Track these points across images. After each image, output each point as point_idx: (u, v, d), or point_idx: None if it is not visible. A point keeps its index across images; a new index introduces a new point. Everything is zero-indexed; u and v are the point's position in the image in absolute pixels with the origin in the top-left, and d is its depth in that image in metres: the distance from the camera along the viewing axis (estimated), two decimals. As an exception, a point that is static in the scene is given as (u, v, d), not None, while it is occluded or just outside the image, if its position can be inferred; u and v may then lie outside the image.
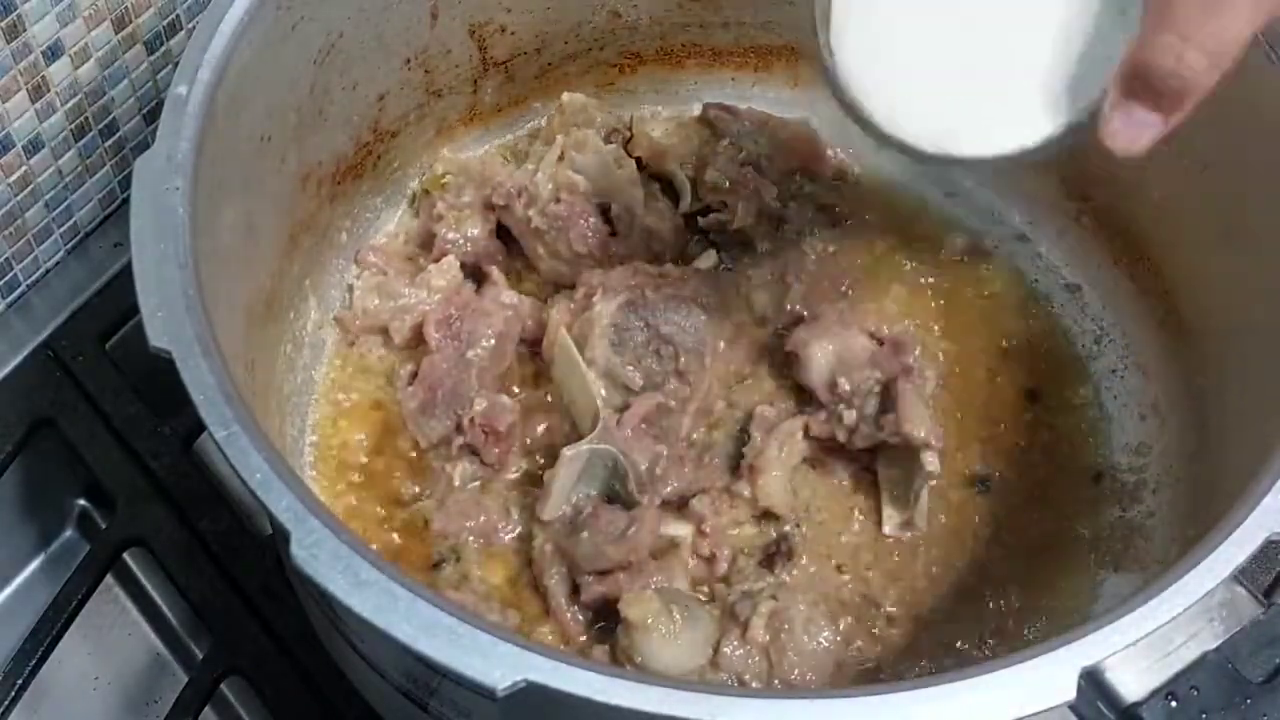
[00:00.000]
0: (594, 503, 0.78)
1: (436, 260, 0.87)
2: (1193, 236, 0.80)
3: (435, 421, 0.82)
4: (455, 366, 0.83)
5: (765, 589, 0.76)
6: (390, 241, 0.91)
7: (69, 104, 0.83)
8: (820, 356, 0.82)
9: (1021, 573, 0.80)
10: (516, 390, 0.85)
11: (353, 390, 0.85)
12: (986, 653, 0.76)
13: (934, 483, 0.80)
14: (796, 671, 0.73)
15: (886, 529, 0.81)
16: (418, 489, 0.81)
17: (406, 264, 0.89)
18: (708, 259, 0.90)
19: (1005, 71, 0.60)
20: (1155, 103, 0.56)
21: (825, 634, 0.74)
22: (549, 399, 0.85)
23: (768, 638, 0.73)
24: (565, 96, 0.92)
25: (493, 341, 0.84)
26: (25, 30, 0.76)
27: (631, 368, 0.82)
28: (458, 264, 0.87)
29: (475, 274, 0.89)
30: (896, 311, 0.89)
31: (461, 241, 0.88)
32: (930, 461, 0.78)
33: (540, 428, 0.84)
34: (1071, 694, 0.52)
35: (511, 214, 0.88)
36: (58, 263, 0.90)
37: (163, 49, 0.86)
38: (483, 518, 0.80)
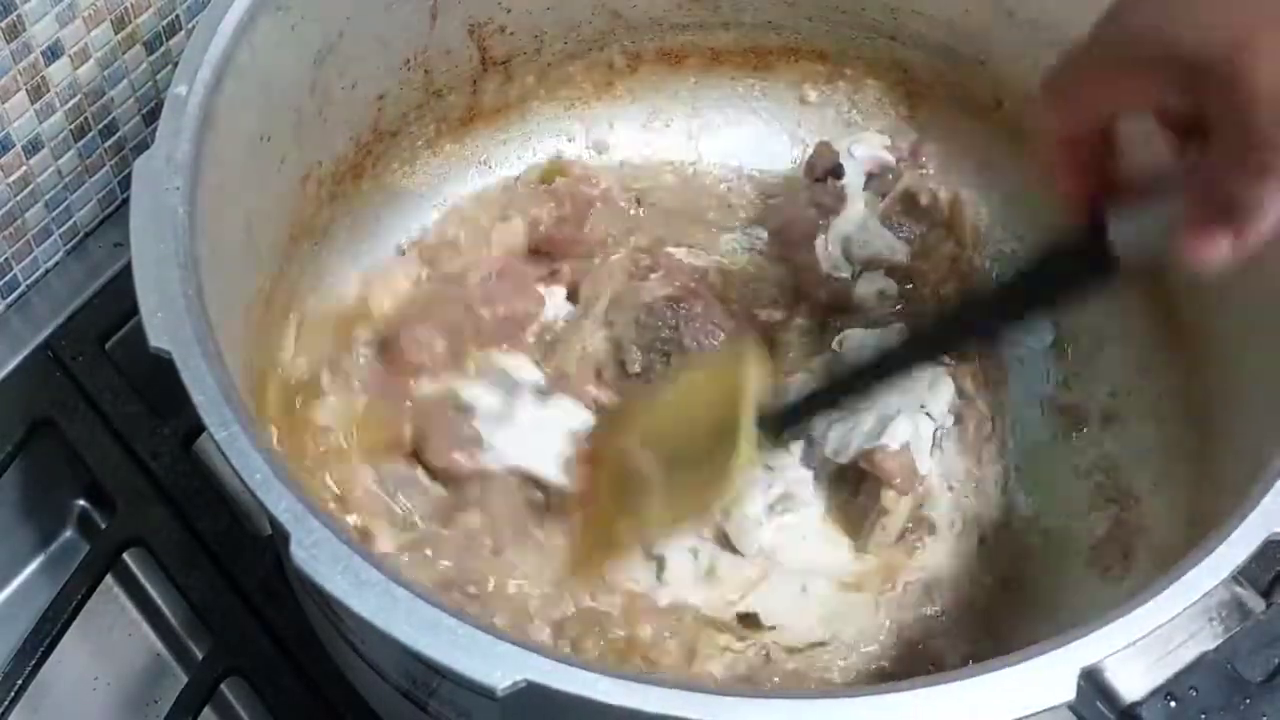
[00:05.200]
0: None
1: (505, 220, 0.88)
2: (1193, 236, 0.80)
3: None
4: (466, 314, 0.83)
5: None
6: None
7: (69, 104, 0.83)
8: None
9: (1021, 573, 0.80)
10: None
11: (353, 390, 0.85)
12: (987, 652, 0.76)
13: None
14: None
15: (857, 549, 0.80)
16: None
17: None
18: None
19: None
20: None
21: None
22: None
23: None
24: None
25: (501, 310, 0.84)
26: (25, 30, 0.76)
27: (638, 351, 0.82)
28: (524, 229, 0.88)
29: (538, 252, 0.89)
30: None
31: (541, 219, 0.89)
32: (889, 500, 0.77)
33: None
34: (1071, 694, 0.52)
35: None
36: (57, 263, 0.90)
37: (163, 49, 0.86)
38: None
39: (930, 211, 0.90)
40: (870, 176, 0.91)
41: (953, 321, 0.77)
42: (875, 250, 0.89)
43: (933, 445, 0.79)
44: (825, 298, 0.87)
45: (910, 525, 0.79)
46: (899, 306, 0.87)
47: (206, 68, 0.68)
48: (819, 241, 0.88)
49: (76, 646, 0.85)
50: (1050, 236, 0.90)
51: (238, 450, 0.56)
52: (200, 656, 0.84)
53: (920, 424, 0.79)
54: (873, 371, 0.76)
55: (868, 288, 0.88)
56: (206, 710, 0.79)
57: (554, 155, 0.94)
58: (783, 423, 0.77)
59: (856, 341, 0.84)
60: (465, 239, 0.88)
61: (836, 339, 0.85)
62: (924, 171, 0.90)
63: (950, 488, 0.82)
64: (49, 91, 0.81)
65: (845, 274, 0.88)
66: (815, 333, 0.86)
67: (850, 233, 0.89)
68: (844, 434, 0.79)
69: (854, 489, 0.80)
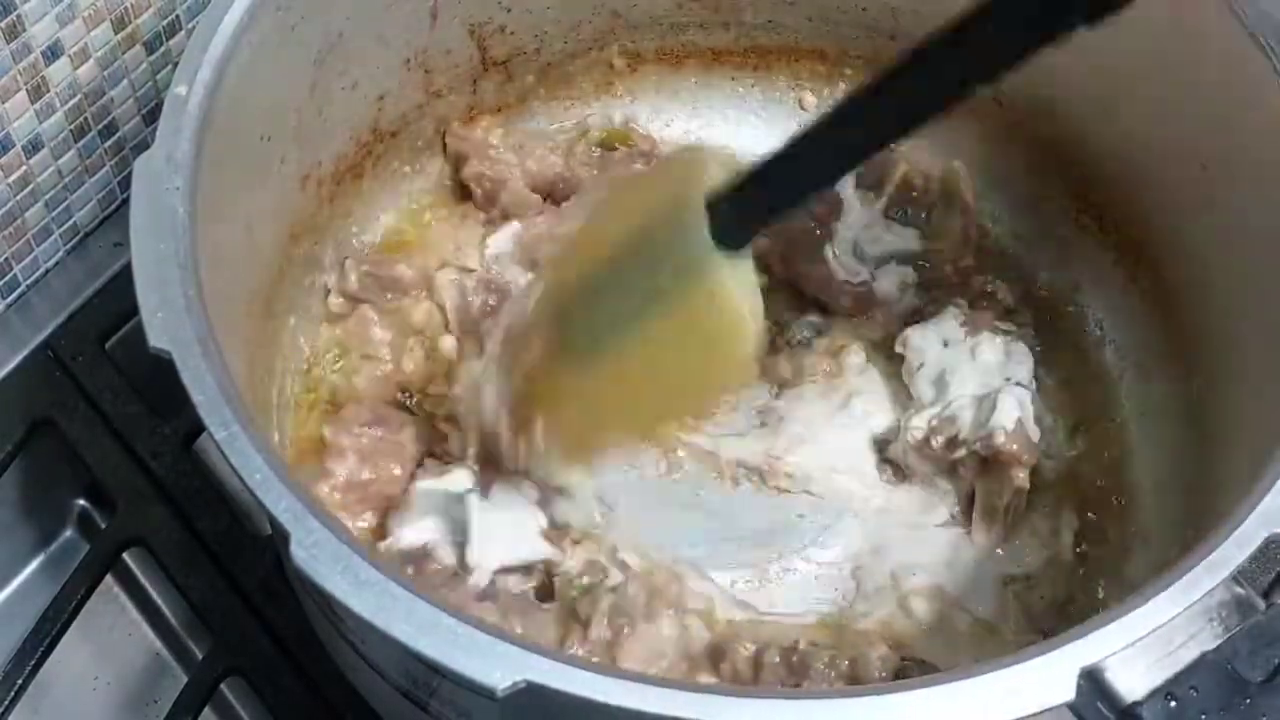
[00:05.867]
0: None
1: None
2: (1192, 236, 0.81)
3: None
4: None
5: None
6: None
7: (68, 104, 0.83)
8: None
9: (1019, 573, 0.80)
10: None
11: (353, 390, 0.85)
12: (984, 653, 0.76)
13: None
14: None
15: (975, 538, 0.80)
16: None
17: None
18: None
19: None
20: None
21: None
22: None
23: (609, 635, 0.71)
24: None
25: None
26: (25, 30, 0.76)
27: None
28: (560, 164, 0.91)
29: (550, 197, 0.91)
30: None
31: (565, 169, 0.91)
32: (1019, 478, 0.78)
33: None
34: (1071, 694, 0.52)
35: None
36: (57, 263, 0.90)
37: (163, 49, 0.86)
38: None
39: (928, 192, 0.91)
40: (859, 174, 0.91)
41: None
42: (886, 245, 0.88)
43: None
44: (849, 304, 0.87)
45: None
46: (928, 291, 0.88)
47: (206, 68, 0.68)
48: (828, 251, 0.88)
49: (76, 646, 0.85)
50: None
51: (238, 450, 0.57)
52: (200, 656, 0.84)
53: (1018, 396, 0.79)
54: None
55: (888, 283, 0.88)
56: (206, 710, 0.79)
57: (622, 122, 0.94)
58: (741, 215, 0.58)
59: (918, 340, 0.83)
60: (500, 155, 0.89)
61: (899, 340, 0.84)
62: (917, 147, 0.90)
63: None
64: (49, 91, 0.81)
65: (863, 276, 0.87)
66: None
67: (856, 235, 0.89)
68: (941, 425, 0.79)
69: (967, 478, 0.81)
